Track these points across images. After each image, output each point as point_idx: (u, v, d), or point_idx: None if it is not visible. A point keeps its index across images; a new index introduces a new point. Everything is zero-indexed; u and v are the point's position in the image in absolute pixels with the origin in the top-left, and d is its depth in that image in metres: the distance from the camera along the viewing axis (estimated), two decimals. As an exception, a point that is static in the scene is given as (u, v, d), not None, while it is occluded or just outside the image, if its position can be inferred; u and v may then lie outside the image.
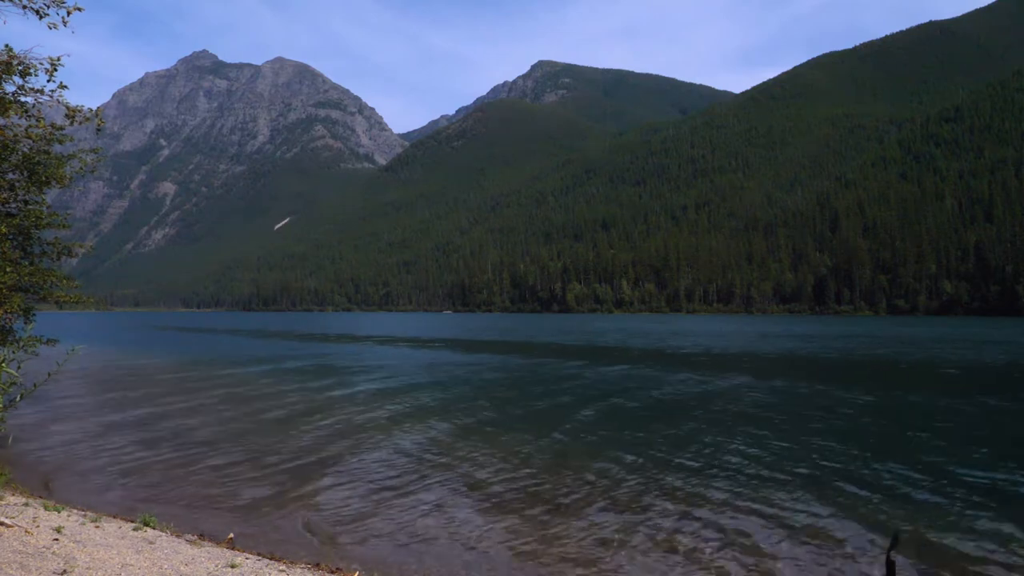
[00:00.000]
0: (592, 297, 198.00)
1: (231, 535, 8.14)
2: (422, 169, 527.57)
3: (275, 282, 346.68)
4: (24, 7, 8.83)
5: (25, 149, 14.01)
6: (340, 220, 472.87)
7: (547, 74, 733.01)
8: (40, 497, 9.28)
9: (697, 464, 11.80)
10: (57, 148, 14.59)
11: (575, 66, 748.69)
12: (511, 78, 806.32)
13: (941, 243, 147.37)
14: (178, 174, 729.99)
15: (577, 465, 11.75)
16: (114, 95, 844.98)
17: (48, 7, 8.74)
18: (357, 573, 6.95)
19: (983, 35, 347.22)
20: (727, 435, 14.36)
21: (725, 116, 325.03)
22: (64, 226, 16.19)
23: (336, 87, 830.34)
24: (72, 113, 11.03)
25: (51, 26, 8.77)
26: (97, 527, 7.58)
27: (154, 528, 7.88)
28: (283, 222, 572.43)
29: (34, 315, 16.54)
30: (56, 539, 6.71)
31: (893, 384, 24.08)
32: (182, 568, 6.32)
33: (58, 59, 9.72)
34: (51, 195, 17.05)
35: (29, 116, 11.79)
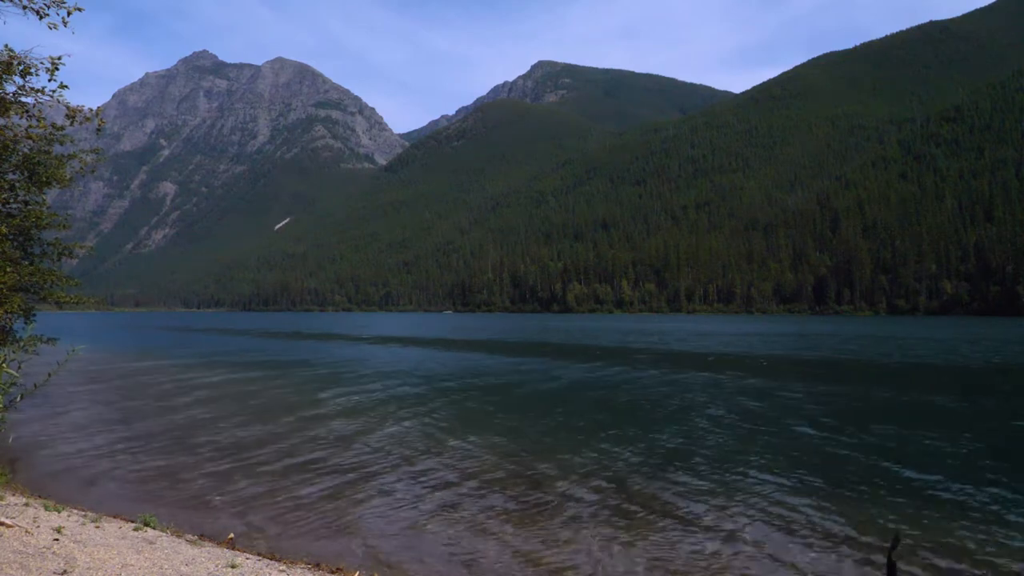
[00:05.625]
0: (592, 297, 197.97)
1: (231, 535, 8.14)
2: (422, 169, 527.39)
3: (275, 282, 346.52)
4: (24, 7, 8.83)
5: (26, 150, 14.02)
6: (340, 220, 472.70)
7: (547, 74, 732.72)
8: (40, 497, 9.28)
9: (696, 464, 11.80)
10: (57, 148, 14.59)
11: (575, 66, 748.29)
12: (511, 78, 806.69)
13: (941, 243, 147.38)
14: (178, 174, 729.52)
15: (579, 466, 11.75)
16: (114, 95, 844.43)
17: (48, 7, 8.74)
18: (357, 573, 6.95)
19: (983, 35, 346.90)
20: (724, 435, 14.36)
21: (725, 116, 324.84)
22: (64, 226, 16.19)
23: (336, 87, 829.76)
24: (72, 113, 11.01)
25: (51, 26, 8.77)
26: (97, 527, 7.57)
27: (154, 528, 7.87)
28: (283, 222, 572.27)
29: (34, 315, 16.55)
30: (56, 539, 6.71)
31: (888, 384, 24.07)
32: (182, 568, 6.32)
33: (59, 59, 9.71)
34: (51, 195, 17.06)
35: (29, 116, 11.78)
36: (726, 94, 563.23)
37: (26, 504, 8.30)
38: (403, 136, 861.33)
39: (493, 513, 9.15)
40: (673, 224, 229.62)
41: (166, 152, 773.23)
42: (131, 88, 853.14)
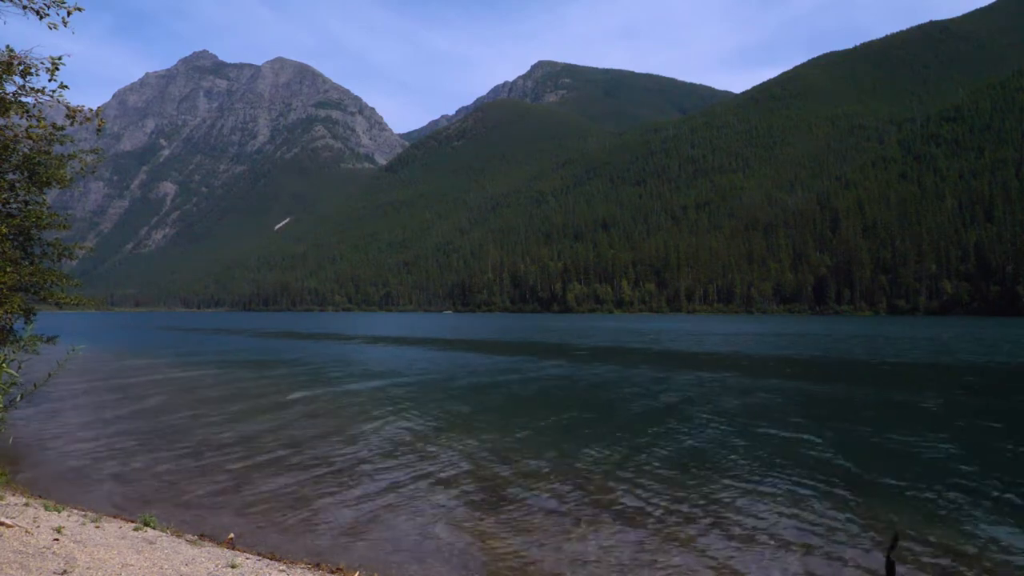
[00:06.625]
0: (592, 297, 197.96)
1: (231, 535, 8.14)
2: (422, 169, 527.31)
3: (275, 282, 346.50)
4: (24, 7, 8.83)
5: (25, 150, 14.02)
6: (340, 220, 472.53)
7: (547, 74, 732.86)
8: (40, 497, 9.28)
9: (695, 463, 11.80)
10: (57, 148, 14.59)
11: (575, 66, 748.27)
12: (511, 78, 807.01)
13: (941, 243, 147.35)
14: (178, 174, 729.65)
15: (578, 466, 11.75)
16: (114, 95, 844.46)
17: (48, 7, 8.75)
18: (357, 573, 6.95)
19: (983, 35, 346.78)
20: (718, 434, 14.36)
21: (725, 116, 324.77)
22: (64, 227, 16.18)
23: (336, 87, 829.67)
24: (72, 113, 11.00)
25: (51, 26, 8.78)
26: (97, 527, 7.58)
27: (154, 528, 7.88)
28: (283, 222, 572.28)
29: (35, 315, 16.55)
30: (56, 539, 6.71)
31: (885, 383, 24.07)
32: (182, 568, 6.32)
33: (59, 59, 9.71)
34: (51, 195, 17.07)
35: (29, 116, 11.78)
36: (726, 94, 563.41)
37: (26, 504, 8.30)
38: (403, 136, 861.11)
39: (494, 515, 9.15)
40: (673, 224, 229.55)
41: (166, 152, 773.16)
42: (131, 88, 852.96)
